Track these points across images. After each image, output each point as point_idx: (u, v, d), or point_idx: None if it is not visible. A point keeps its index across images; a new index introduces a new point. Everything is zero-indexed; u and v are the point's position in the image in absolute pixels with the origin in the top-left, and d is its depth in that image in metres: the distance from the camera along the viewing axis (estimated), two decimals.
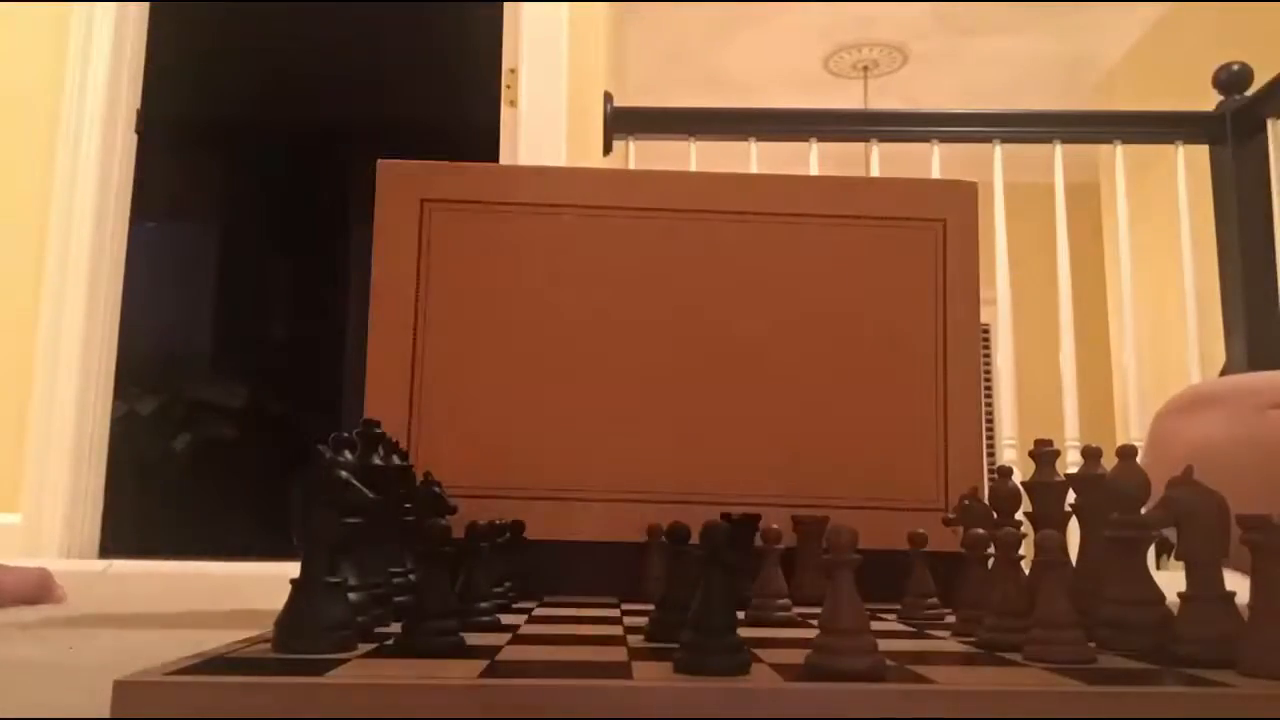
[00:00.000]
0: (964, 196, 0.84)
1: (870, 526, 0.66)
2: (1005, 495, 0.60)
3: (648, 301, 0.82)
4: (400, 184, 0.83)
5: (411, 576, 0.60)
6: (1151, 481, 0.87)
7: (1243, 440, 0.80)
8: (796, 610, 0.61)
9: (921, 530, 0.59)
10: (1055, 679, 0.37)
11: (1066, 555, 0.46)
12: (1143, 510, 0.49)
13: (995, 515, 0.61)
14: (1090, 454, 0.56)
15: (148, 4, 2.58)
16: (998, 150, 2.47)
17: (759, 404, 0.81)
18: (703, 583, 0.40)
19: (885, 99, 4.25)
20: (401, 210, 0.82)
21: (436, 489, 0.65)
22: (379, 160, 0.84)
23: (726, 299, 0.82)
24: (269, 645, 0.44)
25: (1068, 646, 0.42)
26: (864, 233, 0.83)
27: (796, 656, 0.45)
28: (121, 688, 0.33)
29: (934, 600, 0.62)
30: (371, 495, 0.51)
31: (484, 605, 0.57)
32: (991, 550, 0.55)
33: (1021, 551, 0.49)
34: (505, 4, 2.53)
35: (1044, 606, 0.43)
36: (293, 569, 0.46)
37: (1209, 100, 2.49)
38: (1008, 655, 0.45)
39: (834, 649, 0.37)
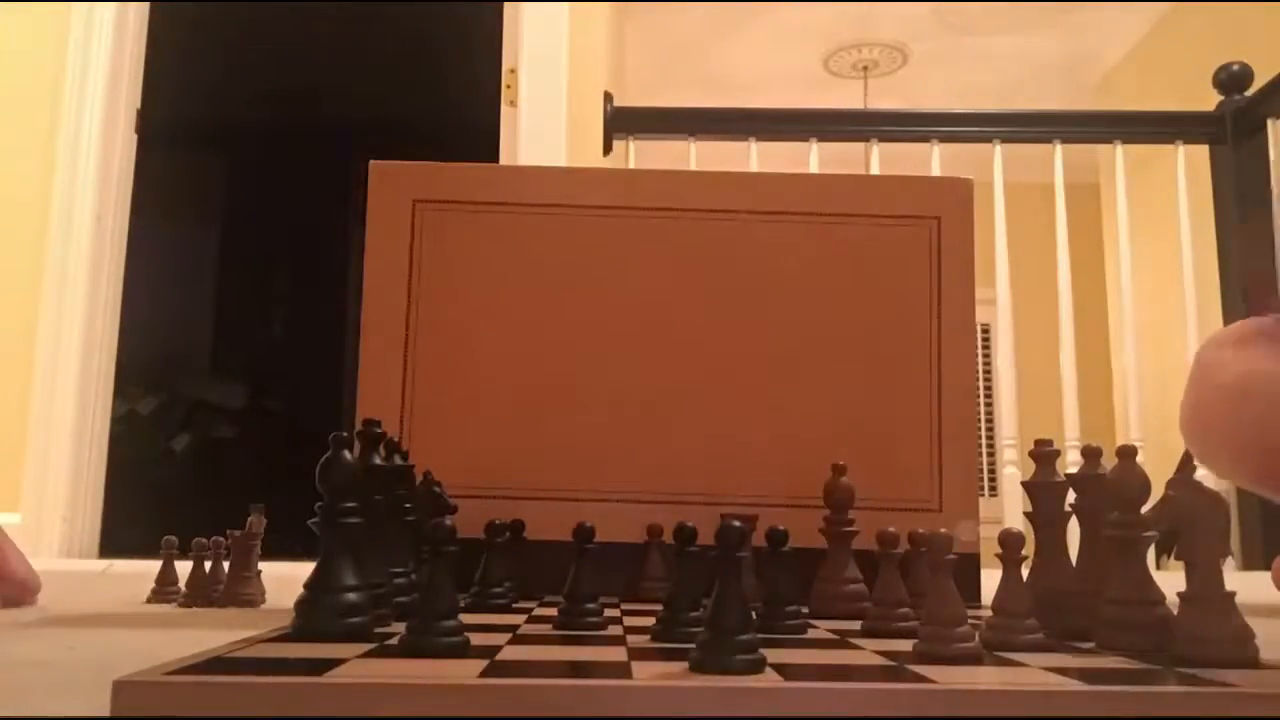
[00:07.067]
0: (959, 193, 0.84)
1: (865, 527, 0.66)
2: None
3: (643, 301, 0.82)
4: (392, 184, 0.83)
5: (413, 577, 0.60)
6: (1194, 410, 0.86)
7: None
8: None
9: (893, 529, 0.57)
10: (1056, 679, 0.37)
11: (1021, 554, 0.48)
12: (1143, 510, 0.49)
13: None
14: (1090, 454, 0.56)
15: (148, 4, 2.58)
16: (998, 150, 2.47)
17: (756, 403, 0.81)
18: (718, 583, 0.40)
19: (885, 99, 4.25)
20: (393, 211, 0.82)
21: (436, 489, 0.65)
22: (371, 161, 0.84)
23: (722, 298, 0.82)
24: (273, 644, 0.44)
25: (1022, 635, 0.44)
26: (859, 231, 0.83)
27: (802, 657, 0.45)
28: (121, 688, 0.33)
29: (906, 610, 0.55)
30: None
31: (497, 590, 0.64)
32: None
33: (1025, 552, 0.49)
34: (505, 4, 2.53)
35: (1001, 598, 0.46)
36: (292, 568, 0.46)
37: (1209, 100, 2.49)
38: (1008, 655, 0.45)
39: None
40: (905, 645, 0.47)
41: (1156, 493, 0.49)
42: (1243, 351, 0.83)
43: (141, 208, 2.53)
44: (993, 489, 3.01)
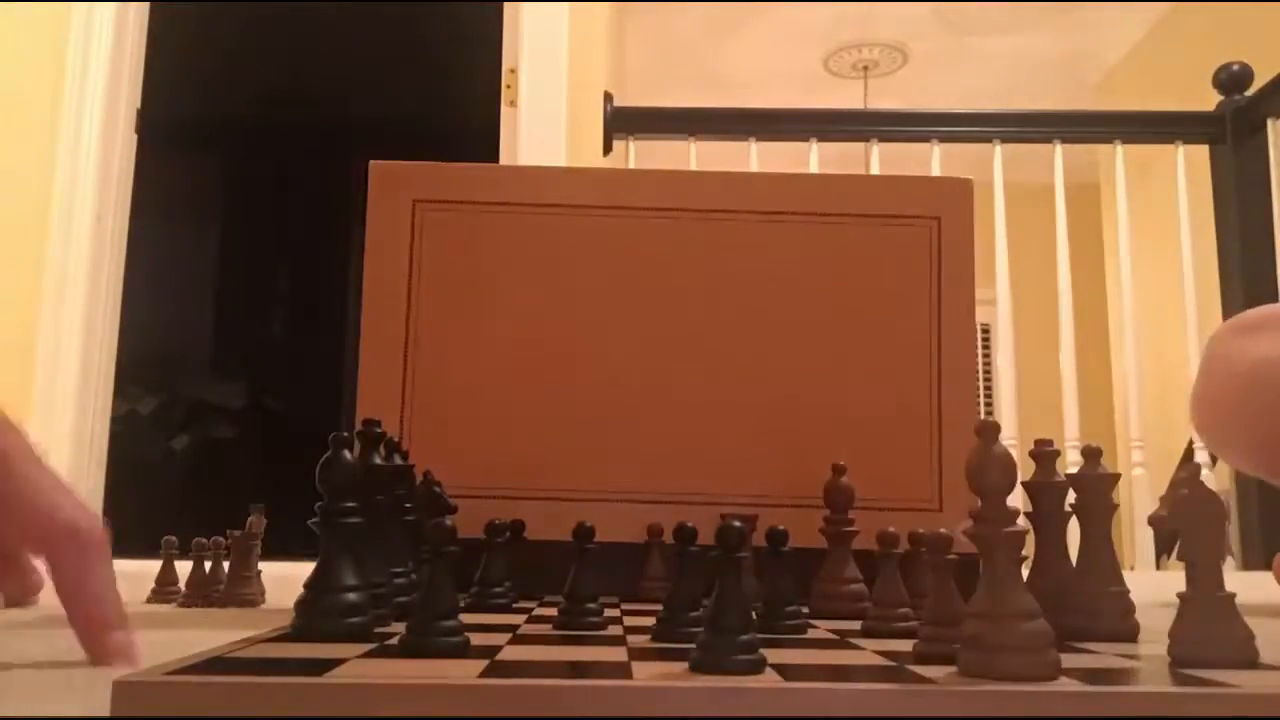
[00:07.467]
0: (959, 193, 0.84)
1: (865, 527, 0.66)
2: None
3: (643, 300, 0.82)
4: (392, 184, 0.83)
5: (413, 577, 0.60)
6: (1205, 399, 0.86)
7: None
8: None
9: (893, 529, 0.57)
10: (1056, 679, 0.37)
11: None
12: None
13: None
14: (1090, 454, 0.56)
15: (148, 4, 2.58)
16: (998, 150, 2.47)
17: (756, 403, 0.81)
18: (718, 583, 0.40)
19: (885, 99, 4.26)
20: (393, 211, 0.82)
21: (436, 488, 0.65)
22: (371, 161, 0.84)
23: (722, 298, 0.82)
24: (273, 644, 0.44)
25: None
26: (859, 231, 0.83)
27: (802, 657, 0.45)
28: (121, 688, 0.33)
29: (906, 610, 0.55)
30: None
31: (498, 589, 0.63)
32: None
33: (1025, 553, 0.49)
34: (505, 4, 2.53)
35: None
36: (292, 568, 0.46)
37: (1209, 100, 2.49)
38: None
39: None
40: (905, 645, 0.47)
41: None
42: (1254, 339, 0.84)
43: (141, 208, 2.53)
44: None
